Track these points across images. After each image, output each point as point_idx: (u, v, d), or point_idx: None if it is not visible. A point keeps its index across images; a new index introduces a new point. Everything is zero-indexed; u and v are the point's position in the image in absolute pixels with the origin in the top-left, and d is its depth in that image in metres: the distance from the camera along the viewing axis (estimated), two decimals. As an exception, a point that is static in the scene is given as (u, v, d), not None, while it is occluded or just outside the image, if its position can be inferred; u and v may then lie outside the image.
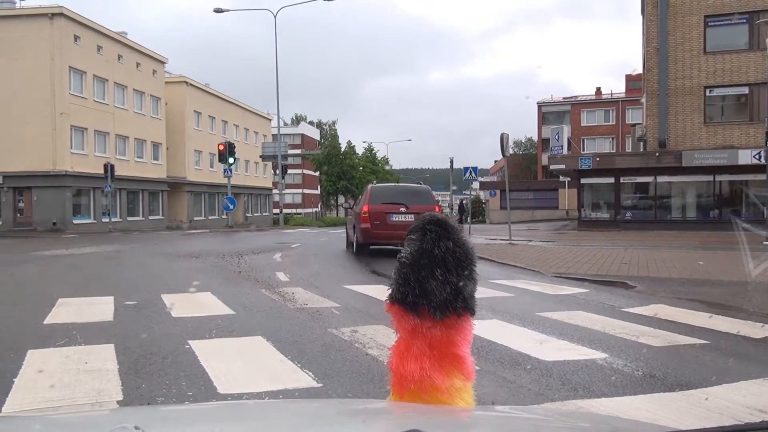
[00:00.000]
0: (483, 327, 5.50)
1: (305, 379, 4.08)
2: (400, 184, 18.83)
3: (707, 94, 25.98)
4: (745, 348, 5.27)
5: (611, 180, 27.69)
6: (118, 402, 3.64)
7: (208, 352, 4.80)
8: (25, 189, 31.96)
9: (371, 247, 14.39)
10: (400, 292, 1.48)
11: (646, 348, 5.07)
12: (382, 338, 5.14)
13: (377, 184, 16.47)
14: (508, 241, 19.13)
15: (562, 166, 30.29)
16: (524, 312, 6.80)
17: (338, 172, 57.59)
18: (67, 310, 6.72)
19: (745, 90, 25.71)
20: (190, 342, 5.12)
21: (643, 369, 4.44)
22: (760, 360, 4.94)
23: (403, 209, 13.87)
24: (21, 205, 32.40)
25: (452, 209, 43.38)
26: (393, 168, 76.25)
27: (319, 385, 3.96)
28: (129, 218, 37.69)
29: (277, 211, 48.35)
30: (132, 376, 4.15)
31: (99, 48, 35.23)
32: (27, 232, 29.67)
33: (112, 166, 32.23)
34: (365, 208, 14.12)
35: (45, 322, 6.09)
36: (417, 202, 14.00)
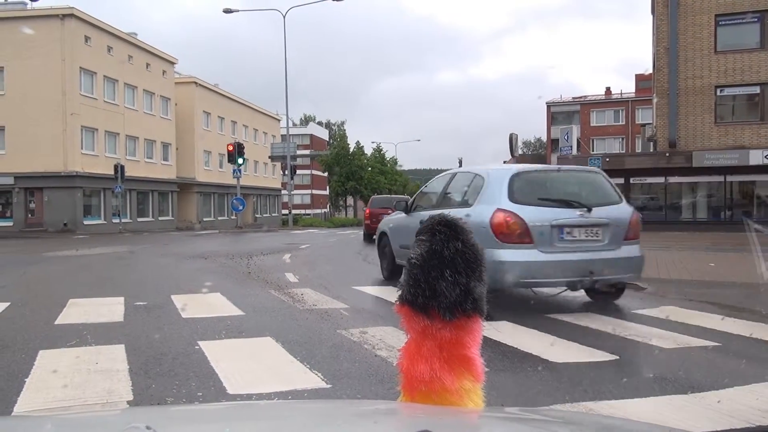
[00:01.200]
0: (492, 328, 5.49)
1: (314, 380, 4.08)
2: (390, 195, 28.76)
3: (718, 93, 25.79)
4: (758, 350, 5.22)
5: (621, 181, 27.51)
6: (128, 402, 3.66)
7: (218, 352, 4.81)
8: (36, 190, 32.21)
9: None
10: (410, 294, 1.47)
11: (657, 350, 5.03)
12: (391, 339, 5.14)
13: (376, 196, 27.14)
14: (517, 242, 19.06)
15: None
16: (534, 313, 6.78)
17: (347, 172, 57.61)
18: (77, 311, 6.76)
19: (757, 89, 25.50)
20: (200, 342, 5.14)
21: (653, 371, 4.41)
22: (773, 362, 4.89)
23: (390, 210, 20.74)
24: (32, 205, 32.66)
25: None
26: (403, 168, 76.19)
27: (329, 386, 3.96)
28: (139, 219, 37.91)
29: (286, 211, 48.44)
30: (142, 377, 4.17)
31: (109, 49, 35.46)
32: (38, 233, 29.90)
33: (122, 167, 32.41)
34: (367, 211, 22.56)
35: (56, 323, 6.13)
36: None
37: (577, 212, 6.72)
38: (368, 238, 20.32)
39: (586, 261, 6.49)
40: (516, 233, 6.47)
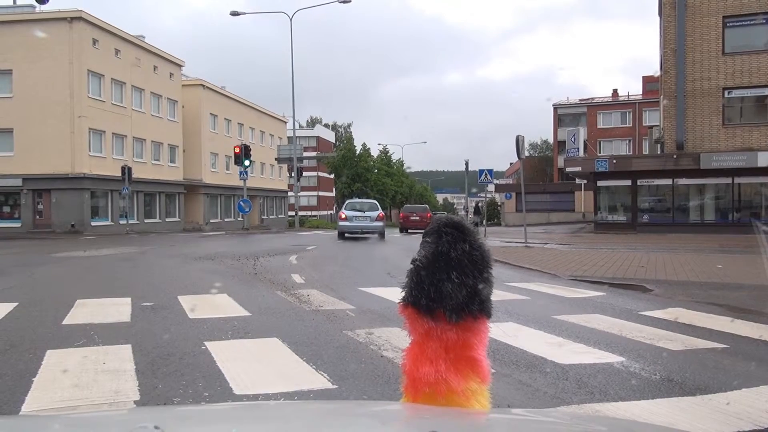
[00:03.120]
0: (499, 330, 5.48)
1: (320, 381, 4.08)
2: (414, 205, 38.24)
3: (726, 95, 25.66)
4: (766, 353, 5.19)
5: (628, 182, 27.46)
6: (135, 402, 3.67)
7: (225, 353, 4.82)
8: (44, 191, 32.32)
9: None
10: (413, 295, 1.47)
11: (665, 352, 5.01)
12: (397, 340, 5.13)
13: (407, 205, 34.71)
14: (523, 244, 19.04)
15: (579, 169, 30.08)
16: (540, 315, 6.76)
17: (353, 174, 57.60)
18: (85, 311, 6.78)
19: (765, 91, 25.35)
20: (206, 343, 5.15)
21: (661, 373, 4.39)
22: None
23: (413, 214, 33.35)
24: (40, 207, 32.77)
25: (467, 212, 43.19)
26: (410, 170, 76.12)
27: (335, 386, 3.97)
28: (146, 220, 38.01)
29: (292, 213, 48.50)
30: (149, 377, 4.18)
31: (117, 51, 35.57)
32: (46, 234, 30.01)
33: (130, 169, 32.49)
34: (401, 215, 34.05)
35: (63, 323, 6.15)
36: (418, 211, 34.35)
37: (360, 212, 24.36)
38: (402, 231, 32.77)
39: (361, 226, 24.00)
40: (344, 218, 24.33)
